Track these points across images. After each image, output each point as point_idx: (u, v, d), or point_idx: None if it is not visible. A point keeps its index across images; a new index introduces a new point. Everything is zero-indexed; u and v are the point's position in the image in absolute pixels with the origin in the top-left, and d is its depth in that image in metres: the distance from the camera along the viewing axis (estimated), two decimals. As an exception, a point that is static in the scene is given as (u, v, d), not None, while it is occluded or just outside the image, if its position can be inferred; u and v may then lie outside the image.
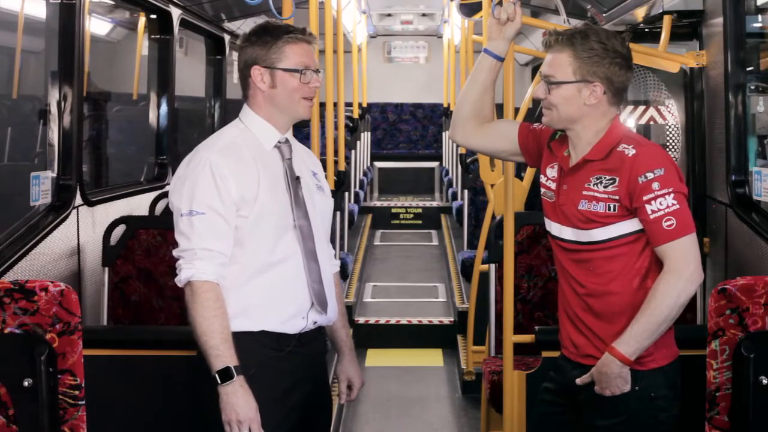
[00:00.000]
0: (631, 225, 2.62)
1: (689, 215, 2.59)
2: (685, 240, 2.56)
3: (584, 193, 2.66)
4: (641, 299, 2.61)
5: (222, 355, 2.56)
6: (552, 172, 2.79)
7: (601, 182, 2.64)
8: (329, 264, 2.87)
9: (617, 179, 2.61)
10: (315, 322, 2.76)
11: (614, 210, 2.61)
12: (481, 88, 2.87)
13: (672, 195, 2.55)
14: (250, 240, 2.67)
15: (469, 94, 2.89)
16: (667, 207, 2.55)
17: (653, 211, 2.56)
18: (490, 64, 2.86)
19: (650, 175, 2.56)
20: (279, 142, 2.78)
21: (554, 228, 2.76)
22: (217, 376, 2.56)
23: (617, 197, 2.61)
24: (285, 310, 2.70)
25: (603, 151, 2.66)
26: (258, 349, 2.66)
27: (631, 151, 2.62)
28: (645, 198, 2.56)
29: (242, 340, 2.62)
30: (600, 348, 2.66)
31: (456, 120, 2.93)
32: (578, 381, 2.69)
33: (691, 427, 2.73)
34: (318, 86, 2.76)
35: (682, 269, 2.55)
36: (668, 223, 2.55)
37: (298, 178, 2.77)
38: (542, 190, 2.82)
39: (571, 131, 2.72)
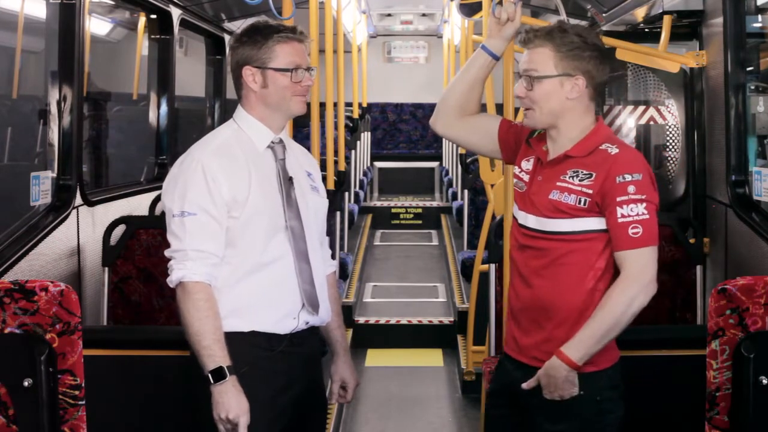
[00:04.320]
0: (598, 222, 2.61)
1: (656, 227, 2.58)
2: (647, 251, 2.55)
3: (558, 184, 2.65)
4: (592, 301, 2.61)
5: (214, 355, 2.57)
6: (527, 164, 2.78)
7: (577, 175, 2.63)
8: (323, 265, 2.86)
9: (594, 174, 2.61)
10: (307, 323, 2.76)
11: (584, 204, 2.61)
12: (471, 82, 2.87)
13: (644, 204, 2.55)
14: (241, 240, 2.67)
15: (458, 86, 2.89)
16: (637, 215, 2.55)
17: (623, 215, 2.55)
18: (485, 60, 2.87)
19: (628, 177, 2.56)
20: (272, 142, 2.78)
21: (520, 216, 2.75)
22: (209, 375, 2.56)
23: (590, 191, 2.60)
24: (276, 310, 2.70)
25: (586, 149, 2.66)
26: (249, 350, 2.66)
27: (613, 150, 2.63)
28: (618, 200, 2.55)
29: (233, 341, 2.62)
30: (545, 350, 2.64)
31: (439, 109, 2.92)
32: (524, 386, 2.66)
33: (691, 427, 2.73)
34: (310, 84, 2.75)
35: (639, 279, 2.54)
36: (634, 230, 2.54)
37: (290, 178, 2.77)
38: (514, 180, 2.82)
39: (553, 129, 2.71)
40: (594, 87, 2.68)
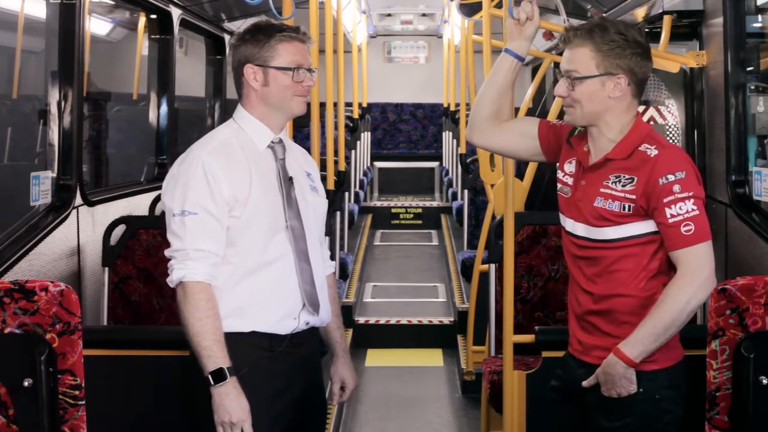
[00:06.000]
0: (645, 226, 2.61)
1: (707, 222, 2.57)
2: (702, 247, 2.54)
3: (601, 190, 2.64)
4: (648, 301, 2.61)
5: (214, 356, 2.56)
6: (570, 167, 2.77)
7: (619, 181, 2.62)
8: (322, 265, 2.86)
9: (636, 178, 2.59)
10: (307, 323, 2.76)
11: (629, 210, 2.60)
12: (501, 88, 2.84)
13: (692, 200, 2.54)
14: (241, 240, 2.66)
15: (488, 94, 2.85)
16: (687, 212, 2.53)
17: (672, 216, 2.54)
18: (511, 64, 2.83)
19: (671, 177, 2.54)
20: (272, 142, 2.77)
21: (568, 224, 2.75)
22: (209, 377, 2.56)
23: (633, 196, 2.59)
24: (276, 310, 2.70)
25: (626, 151, 2.64)
26: (249, 350, 2.66)
27: (653, 152, 2.60)
28: (665, 200, 2.54)
29: (234, 341, 2.61)
30: (606, 346, 2.65)
31: (474, 121, 2.89)
32: (584, 383, 2.68)
33: (691, 427, 2.73)
34: (311, 85, 2.75)
35: (695, 275, 2.53)
36: (686, 228, 2.53)
37: (291, 178, 2.76)
38: (558, 185, 2.80)
39: (593, 127, 2.69)
40: (636, 84, 2.66)
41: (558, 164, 2.83)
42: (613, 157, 2.65)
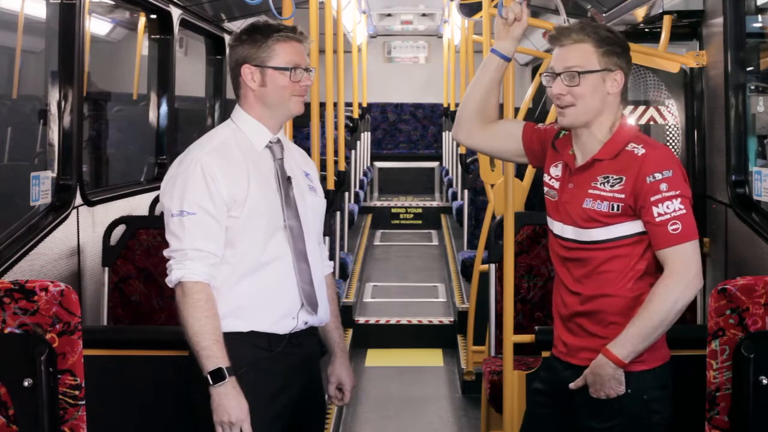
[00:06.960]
0: (634, 227, 2.62)
1: (694, 221, 2.58)
2: (689, 246, 2.55)
3: (590, 191, 2.65)
4: (635, 301, 2.61)
5: (213, 356, 2.56)
6: (556, 170, 2.78)
7: (608, 181, 2.63)
8: (321, 265, 2.86)
9: (624, 178, 2.60)
10: (306, 323, 2.76)
11: (617, 210, 2.61)
12: (487, 87, 2.86)
13: (679, 199, 2.55)
14: (240, 240, 2.67)
15: (474, 93, 2.87)
16: (674, 211, 2.54)
17: (660, 214, 2.55)
18: (497, 64, 2.85)
19: (658, 176, 2.55)
20: (270, 142, 2.77)
21: (556, 227, 2.76)
22: (208, 377, 2.56)
23: (622, 196, 2.60)
24: (275, 310, 2.70)
25: (613, 151, 2.65)
26: (248, 350, 2.66)
27: (640, 151, 2.62)
28: (652, 199, 2.55)
29: (232, 341, 2.62)
30: (593, 347, 2.65)
31: (460, 119, 2.91)
32: (572, 385, 2.68)
33: (691, 427, 2.73)
34: (309, 84, 2.75)
35: (683, 274, 2.54)
36: (674, 227, 2.54)
37: (289, 178, 2.76)
38: (545, 189, 2.80)
39: (584, 129, 2.69)
40: (625, 83, 2.69)
41: (544, 168, 2.83)
42: (601, 158, 2.66)
